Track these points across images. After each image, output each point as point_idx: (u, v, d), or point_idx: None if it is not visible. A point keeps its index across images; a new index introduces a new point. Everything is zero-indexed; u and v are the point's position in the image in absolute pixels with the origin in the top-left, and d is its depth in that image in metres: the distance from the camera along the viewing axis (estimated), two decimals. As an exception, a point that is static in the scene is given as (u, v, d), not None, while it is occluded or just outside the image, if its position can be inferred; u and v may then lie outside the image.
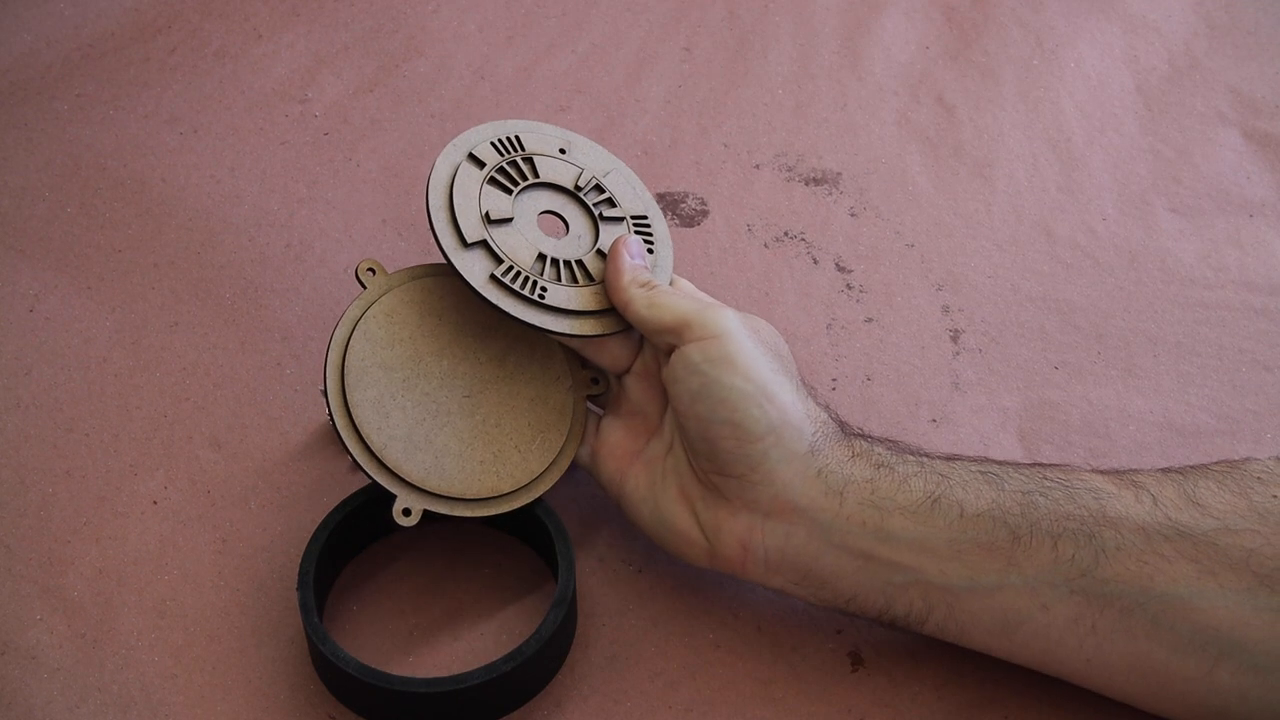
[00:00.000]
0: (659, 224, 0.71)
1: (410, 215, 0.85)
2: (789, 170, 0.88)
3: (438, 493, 0.65)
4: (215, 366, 0.77)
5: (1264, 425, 0.74)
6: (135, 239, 0.83)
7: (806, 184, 0.87)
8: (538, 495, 0.66)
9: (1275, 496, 0.56)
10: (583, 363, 0.69)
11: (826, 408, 0.63)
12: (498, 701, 0.62)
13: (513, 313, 0.65)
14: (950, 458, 0.61)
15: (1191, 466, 0.59)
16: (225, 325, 0.79)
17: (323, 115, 0.91)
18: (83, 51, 0.95)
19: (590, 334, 0.66)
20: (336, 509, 0.66)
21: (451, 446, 0.66)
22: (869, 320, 0.80)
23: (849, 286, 0.81)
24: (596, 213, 0.69)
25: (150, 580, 0.67)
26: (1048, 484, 0.59)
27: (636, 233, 0.69)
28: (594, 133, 0.90)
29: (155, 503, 0.71)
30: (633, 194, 0.71)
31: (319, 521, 0.66)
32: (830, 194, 0.87)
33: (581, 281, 0.67)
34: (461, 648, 0.65)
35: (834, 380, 0.76)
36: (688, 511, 0.63)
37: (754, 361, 0.61)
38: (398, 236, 0.84)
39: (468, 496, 0.65)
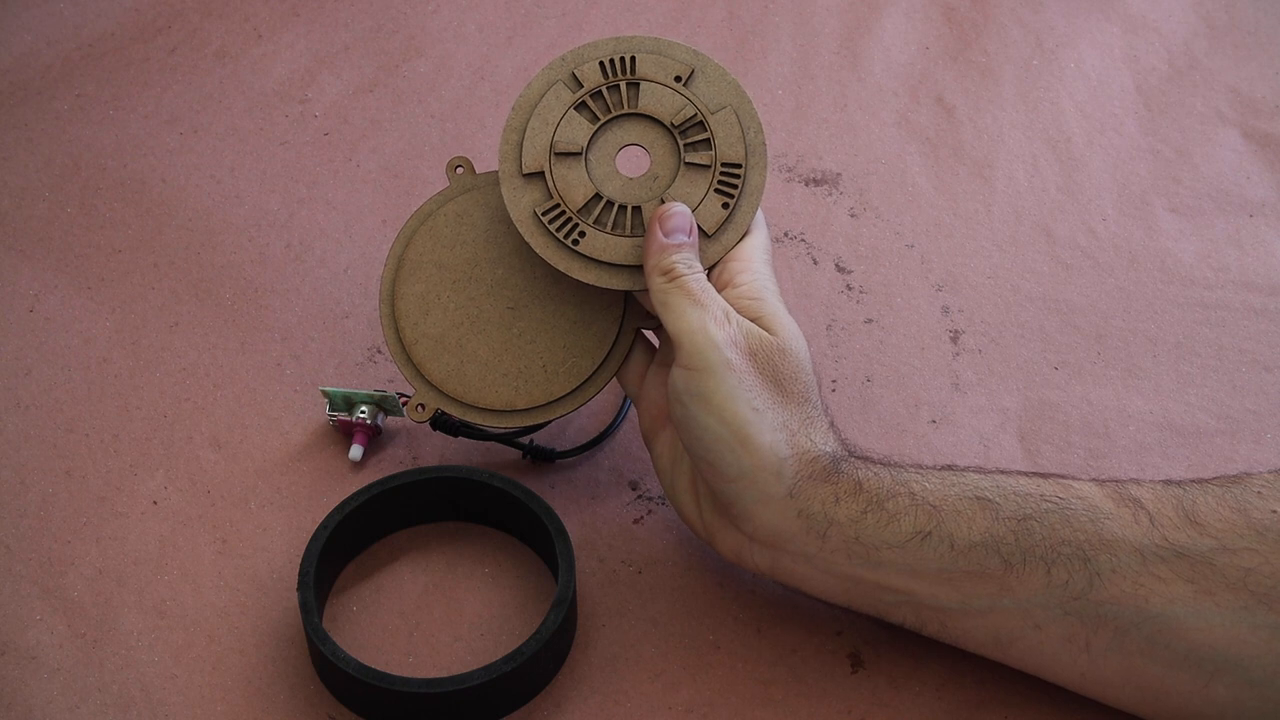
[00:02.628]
0: (754, 175, 0.65)
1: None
2: (789, 171, 0.88)
3: (454, 396, 0.67)
4: (215, 366, 0.77)
5: (1264, 425, 0.74)
6: (135, 239, 0.83)
7: (806, 184, 0.87)
8: (550, 419, 0.67)
9: (1275, 511, 0.55)
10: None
11: (833, 427, 0.61)
12: (498, 701, 0.62)
13: (542, 254, 0.65)
14: (946, 470, 0.60)
15: (1193, 480, 0.58)
16: (225, 325, 0.79)
17: (323, 115, 0.91)
18: (83, 51, 0.95)
19: (616, 288, 0.65)
20: (336, 509, 0.66)
21: (480, 354, 0.67)
22: (869, 321, 0.80)
23: (849, 287, 0.81)
24: (683, 155, 0.65)
25: (150, 580, 0.67)
26: (1045, 505, 0.57)
27: (721, 183, 0.65)
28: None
29: (155, 503, 0.71)
30: (737, 138, 0.65)
31: (319, 521, 0.66)
32: (830, 194, 0.87)
33: (628, 231, 0.65)
34: (461, 648, 0.65)
35: (834, 382, 0.76)
36: (694, 504, 0.63)
37: (732, 402, 0.59)
38: (398, 236, 0.84)
39: (480, 405, 0.67)
